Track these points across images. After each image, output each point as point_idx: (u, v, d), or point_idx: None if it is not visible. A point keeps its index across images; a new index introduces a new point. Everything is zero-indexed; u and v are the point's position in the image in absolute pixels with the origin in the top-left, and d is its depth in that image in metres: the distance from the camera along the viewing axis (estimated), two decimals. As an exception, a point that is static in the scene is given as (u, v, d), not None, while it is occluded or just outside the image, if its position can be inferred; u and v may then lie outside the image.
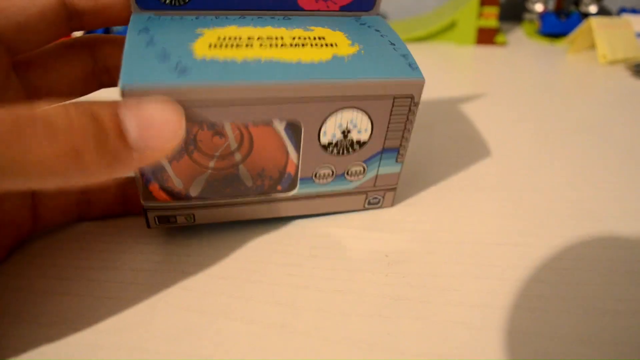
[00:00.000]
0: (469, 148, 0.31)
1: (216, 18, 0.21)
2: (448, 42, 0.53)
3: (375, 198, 0.24)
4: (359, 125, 0.21)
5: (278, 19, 0.21)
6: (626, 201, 0.25)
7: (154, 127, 0.16)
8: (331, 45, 0.20)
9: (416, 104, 0.21)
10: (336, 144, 0.21)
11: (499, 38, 0.51)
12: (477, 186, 0.26)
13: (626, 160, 0.29)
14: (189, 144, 0.20)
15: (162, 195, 0.21)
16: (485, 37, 0.51)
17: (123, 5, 0.21)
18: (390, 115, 0.21)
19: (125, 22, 0.21)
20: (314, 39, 0.20)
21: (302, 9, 0.22)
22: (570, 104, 0.37)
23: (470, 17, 0.50)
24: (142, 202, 0.21)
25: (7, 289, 0.20)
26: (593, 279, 0.20)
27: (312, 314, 0.19)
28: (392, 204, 0.25)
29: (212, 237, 0.23)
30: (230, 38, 0.19)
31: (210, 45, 0.19)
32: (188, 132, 0.19)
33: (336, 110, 0.20)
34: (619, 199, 0.25)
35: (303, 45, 0.20)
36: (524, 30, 0.56)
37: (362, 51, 0.20)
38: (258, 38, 0.20)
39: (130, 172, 0.17)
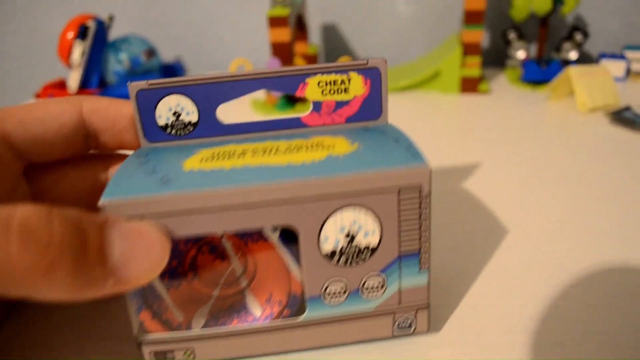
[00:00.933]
0: (455, 196, 0.31)
1: (219, 142, 0.21)
2: (433, 90, 0.54)
3: (406, 320, 0.20)
4: (364, 226, 0.18)
5: (280, 137, 0.21)
6: (606, 245, 0.26)
7: (137, 252, 0.16)
8: (328, 147, 0.19)
9: (427, 195, 0.18)
10: (342, 252, 0.18)
11: (482, 86, 0.53)
12: (464, 234, 0.27)
13: (605, 205, 0.30)
14: (188, 270, 0.19)
15: (155, 326, 0.19)
16: (469, 86, 0.52)
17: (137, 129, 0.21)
18: (399, 211, 0.18)
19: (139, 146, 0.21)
20: (312, 145, 0.19)
21: (307, 126, 0.21)
22: (552, 150, 0.38)
23: (453, 67, 0.52)
24: (134, 333, 0.19)
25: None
26: (584, 316, 0.20)
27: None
28: (428, 328, 0.20)
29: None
30: (225, 153, 0.19)
31: (202, 160, 0.19)
32: (185, 256, 0.18)
33: (334, 211, 0.18)
34: (598, 243, 0.26)
35: (298, 149, 0.19)
36: (507, 76, 0.58)
37: (361, 148, 0.19)
38: (253, 150, 0.19)
39: (103, 295, 0.16)
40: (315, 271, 0.18)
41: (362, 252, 0.18)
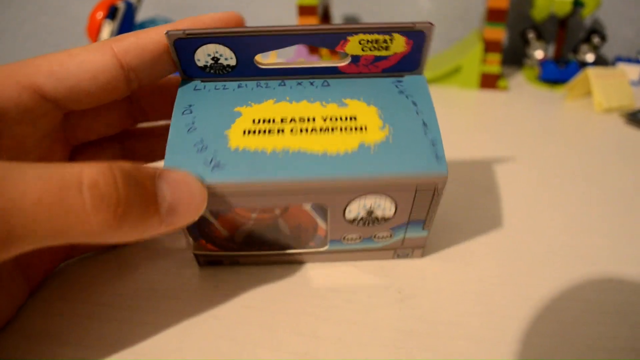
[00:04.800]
0: (470, 191, 0.33)
1: (257, 86, 0.22)
2: (453, 85, 0.56)
3: (404, 252, 0.25)
4: (382, 206, 0.21)
5: (317, 86, 0.22)
6: (619, 246, 0.27)
7: (182, 202, 0.18)
8: (360, 129, 0.20)
9: (439, 194, 0.21)
10: (361, 220, 0.22)
11: (501, 83, 0.54)
12: (478, 229, 0.29)
13: (619, 205, 0.31)
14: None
15: (211, 247, 0.23)
16: (488, 82, 0.54)
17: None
18: (414, 201, 0.21)
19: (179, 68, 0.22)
20: (345, 119, 0.21)
21: (343, 74, 0.22)
22: (567, 149, 0.40)
23: (474, 63, 0.53)
24: (192, 251, 0.24)
25: (50, 314, 0.22)
26: (586, 319, 0.22)
27: (332, 344, 0.21)
28: (422, 256, 0.25)
29: (242, 271, 0.25)
30: (264, 121, 0.20)
31: (244, 132, 0.20)
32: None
33: (360, 196, 0.20)
34: (612, 243, 0.27)
35: (332, 130, 0.20)
36: (525, 75, 0.59)
37: (391, 138, 0.20)
38: (291, 120, 0.21)
39: (150, 237, 0.18)
40: (339, 228, 0.22)
41: (378, 220, 0.22)
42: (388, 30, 0.20)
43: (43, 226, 0.14)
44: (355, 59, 0.22)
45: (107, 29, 0.58)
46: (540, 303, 0.23)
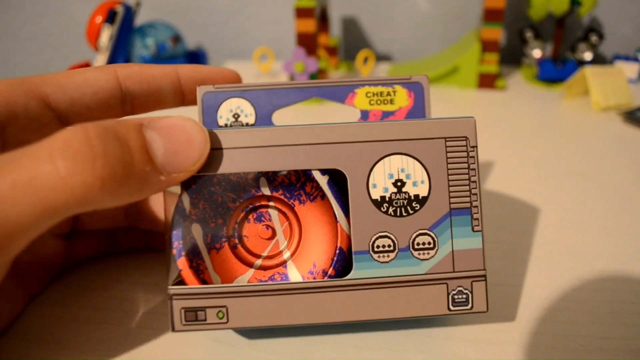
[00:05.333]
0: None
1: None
2: (451, 85, 0.56)
3: (461, 293, 0.19)
4: (412, 175, 0.18)
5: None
6: (617, 245, 0.27)
7: (180, 147, 0.16)
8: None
9: (473, 147, 0.19)
10: (390, 200, 0.18)
11: (499, 83, 0.54)
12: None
13: (617, 204, 0.31)
14: (232, 236, 0.20)
15: (191, 279, 0.19)
16: (486, 81, 0.54)
17: (173, 89, 0.23)
18: (447, 161, 0.19)
19: (172, 105, 0.23)
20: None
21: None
22: (565, 148, 0.40)
23: (472, 62, 0.53)
24: (168, 287, 0.19)
25: (50, 317, 0.22)
26: (581, 318, 0.22)
27: (327, 347, 0.21)
28: (488, 308, 0.19)
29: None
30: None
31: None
32: (231, 216, 0.20)
33: (382, 157, 0.18)
34: (609, 242, 0.27)
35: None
36: (523, 74, 0.59)
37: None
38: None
39: (160, 191, 0.17)
40: (364, 220, 0.18)
41: (412, 201, 0.18)
42: (389, 82, 0.23)
43: (27, 211, 0.14)
44: (365, 114, 0.23)
45: (106, 33, 0.58)
46: (536, 303, 0.23)
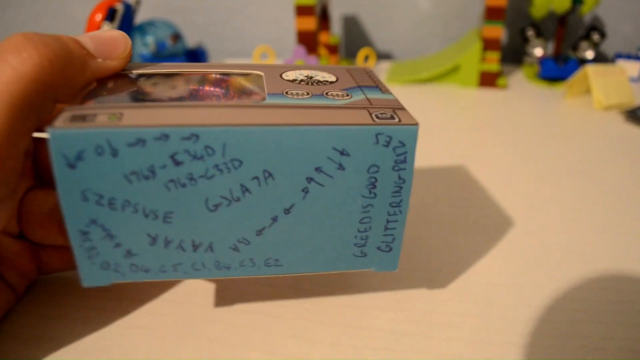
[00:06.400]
0: (469, 189, 0.33)
1: None
2: (452, 83, 0.55)
3: (384, 113, 0.18)
4: (321, 75, 0.22)
5: None
6: (618, 244, 0.27)
7: (106, 41, 0.20)
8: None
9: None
10: (302, 81, 0.21)
11: (500, 81, 0.54)
12: (476, 228, 0.28)
13: (618, 203, 0.31)
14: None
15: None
16: (488, 80, 0.54)
17: None
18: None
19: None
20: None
21: None
22: (567, 147, 0.39)
23: (473, 61, 0.53)
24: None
25: (46, 318, 0.22)
26: (583, 318, 0.22)
27: (326, 347, 0.21)
28: (416, 122, 0.18)
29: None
30: None
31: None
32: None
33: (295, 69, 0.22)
34: (611, 241, 0.27)
35: None
36: (524, 73, 0.59)
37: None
38: None
39: (103, 75, 0.20)
40: (278, 85, 0.20)
41: (322, 83, 0.20)
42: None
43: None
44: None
45: (105, 31, 0.58)
46: (537, 302, 0.23)
